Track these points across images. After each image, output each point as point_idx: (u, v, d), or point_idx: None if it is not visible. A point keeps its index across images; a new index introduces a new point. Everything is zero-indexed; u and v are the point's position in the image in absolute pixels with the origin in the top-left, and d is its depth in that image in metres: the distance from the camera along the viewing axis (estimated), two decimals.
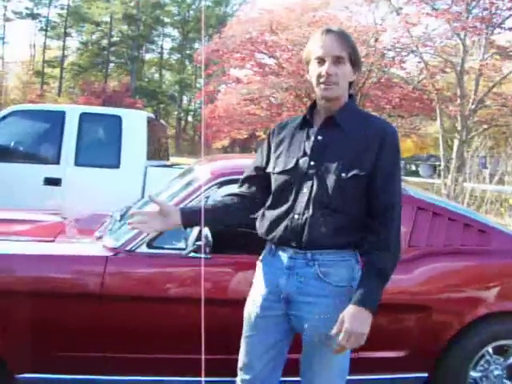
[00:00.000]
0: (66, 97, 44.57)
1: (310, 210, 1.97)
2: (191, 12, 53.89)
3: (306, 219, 1.97)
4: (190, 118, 55.56)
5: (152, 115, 7.43)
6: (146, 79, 52.98)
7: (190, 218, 2.13)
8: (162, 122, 8.24)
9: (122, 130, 6.40)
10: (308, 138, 2.05)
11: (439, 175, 13.93)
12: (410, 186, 3.69)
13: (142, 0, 48.39)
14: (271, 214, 2.08)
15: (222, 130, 19.74)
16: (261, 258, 2.19)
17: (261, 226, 2.13)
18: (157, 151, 7.32)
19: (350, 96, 2.09)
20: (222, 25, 23.79)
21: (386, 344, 2.97)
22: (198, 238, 2.78)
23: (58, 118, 6.40)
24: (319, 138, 2.03)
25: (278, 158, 2.10)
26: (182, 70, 53.41)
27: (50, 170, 6.28)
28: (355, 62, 2.02)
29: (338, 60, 1.96)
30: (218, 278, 2.90)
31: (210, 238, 2.76)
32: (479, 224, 3.28)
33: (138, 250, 2.88)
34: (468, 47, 14.57)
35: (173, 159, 9.57)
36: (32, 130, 6.72)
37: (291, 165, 2.03)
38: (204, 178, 3.03)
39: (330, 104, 2.03)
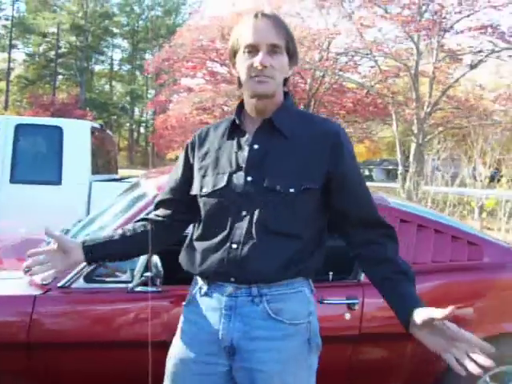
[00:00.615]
0: (13, 110, 43.09)
1: (253, 237, 1.60)
2: (141, 22, 53.41)
3: (249, 248, 1.60)
4: (142, 130, 55.01)
5: (97, 125, 6.85)
6: (97, 91, 52.11)
7: (94, 252, 1.74)
8: (109, 132, 7.63)
9: (63, 142, 5.85)
10: (240, 147, 1.68)
11: (394, 179, 13.85)
12: (385, 193, 3.30)
13: (90, 10, 47.53)
14: (201, 246, 1.69)
15: (174, 140, 19.48)
16: (188, 299, 1.77)
17: (188, 261, 1.74)
18: (103, 164, 6.78)
19: (286, 94, 1.73)
20: (172, 34, 23.43)
21: (376, 378, 2.60)
22: (147, 268, 2.30)
23: None
24: (255, 146, 1.65)
25: (204, 176, 1.71)
26: (133, 81, 52.86)
27: None
28: (292, 54, 1.67)
29: (273, 49, 1.60)
30: (171, 316, 2.37)
31: (160, 267, 2.28)
32: (468, 235, 2.91)
33: (73, 286, 2.39)
34: (421, 50, 14.58)
35: (125, 172, 9.04)
36: None
37: (222, 183, 1.65)
38: (151, 193, 2.57)
39: (263, 104, 1.65)
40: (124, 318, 2.39)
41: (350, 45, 15.86)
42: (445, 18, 14.41)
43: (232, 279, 1.62)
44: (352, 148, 1.72)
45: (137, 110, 54.76)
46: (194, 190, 1.72)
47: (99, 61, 54.33)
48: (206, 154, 1.73)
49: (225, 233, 1.63)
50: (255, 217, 1.60)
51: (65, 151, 5.84)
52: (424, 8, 14.36)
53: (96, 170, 6.15)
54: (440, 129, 15.88)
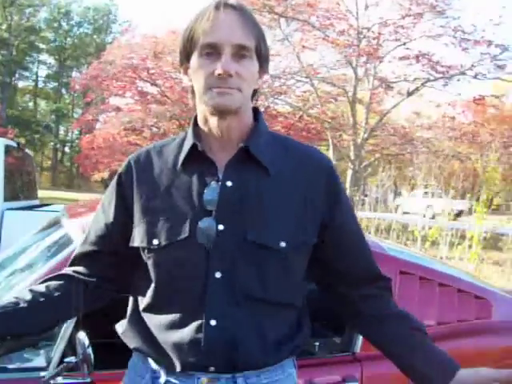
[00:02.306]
0: None
1: (237, 309, 1.21)
2: (68, 39, 52.03)
3: (234, 325, 1.20)
4: (67, 149, 53.34)
5: (13, 143, 5.97)
6: (20, 108, 50.22)
7: None
8: (28, 151, 6.73)
9: None
10: (204, 183, 1.24)
11: None
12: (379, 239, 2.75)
13: (15, 23, 45.77)
14: (157, 320, 1.25)
15: (101, 161, 18.72)
16: None
17: (137, 342, 1.27)
18: (20, 189, 5.93)
19: (255, 112, 1.32)
20: (101, 52, 22.72)
21: None
22: (68, 351, 1.61)
23: None
24: (228, 183, 1.23)
25: (152, 222, 1.24)
26: (59, 99, 51.35)
27: None
28: (264, 58, 1.27)
29: (240, 52, 1.20)
30: None
31: (88, 347, 1.58)
32: (476, 289, 2.39)
33: None
34: (359, 76, 14.57)
35: (48, 193, 8.18)
36: None
37: (184, 234, 1.21)
38: (77, 239, 1.87)
39: (226, 122, 1.23)
40: None
41: (285, 68, 15.68)
42: (381, 45, 14.51)
43: (211, 369, 1.20)
44: (343, 186, 1.40)
45: (62, 129, 53.27)
46: (137, 242, 1.26)
47: (23, 76, 52.72)
48: (151, 190, 1.28)
49: (193, 303, 1.21)
50: (236, 280, 1.20)
51: None
52: (362, 35, 14.35)
53: (10, 195, 5.29)
54: (377, 155, 15.86)
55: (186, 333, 1.21)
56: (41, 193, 7.14)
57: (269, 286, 1.22)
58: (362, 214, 10.70)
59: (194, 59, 1.23)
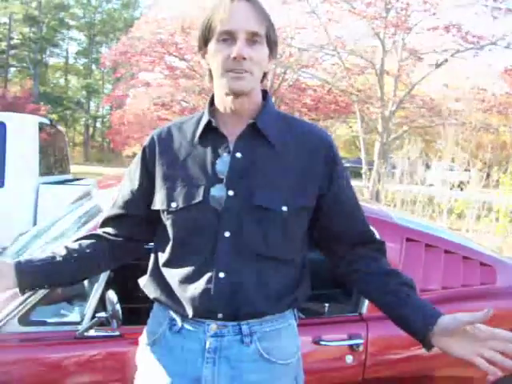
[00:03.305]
0: None
1: (243, 264, 1.38)
2: (97, 15, 52.06)
3: (240, 277, 1.37)
4: (98, 125, 53.72)
5: (46, 120, 6.17)
6: (51, 84, 50.56)
7: (30, 277, 1.42)
8: (60, 127, 6.95)
9: (7, 139, 5.16)
10: (217, 155, 1.42)
11: (353, 177, 13.76)
12: (389, 208, 2.88)
13: (44, 1, 45.99)
14: (174, 274, 1.42)
15: (131, 136, 18.92)
16: (152, 338, 1.47)
17: (156, 289, 1.46)
18: (53, 164, 6.15)
19: (264, 93, 1.50)
20: (129, 28, 22.84)
21: None
22: (100, 306, 1.80)
23: None
24: (237, 155, 1.41)
25: (171, 188, 1.43)
26: (89, 75, 51.54)
27: None
28: (273, 45, 1.44)
29: (253, 38, 1.37)
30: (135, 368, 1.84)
31: (117, 304, 1.78)
32: (481, 256, 2.51)
33: (5, 330, 1.85)
34: (387, 48, 14.39)
35: (81, 168, 8.42)
36: None
37: (198, 198, 1.39)
38: (106, 208, 2.06)
39: (239, 102, 1.41)
40: (72, 372, 1.87)
41: (313, 41, 15.57)
42: (409, 16, 14.29)
43: (219, 315, 1.38)
44: (341, 159, 1.54)
45: (93, 105, 53.56)
46: (158, 205, 1.44)
47: (54, 53, 52.85)
48: (171, 160, 1.46)
49: (204, 258, 1.38)
50: (243, 239, 1.37)
51: (8, 150, 5.16)
52: (390, 5, 14.15)
53: (45, 170, 5.53)
54: (405, 128, 15.72)
55: (199, 284, 1.37)
56: (73, 168, 7.37)
57: (271, 244, 1.39)
58: (389, 187, 10.73)
59: (212, 45, 1.39)
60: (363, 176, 14.56)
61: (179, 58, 17.36)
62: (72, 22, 51.43)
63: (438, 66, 14.70)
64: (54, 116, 38.42)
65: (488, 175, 10.36)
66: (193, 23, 15.85)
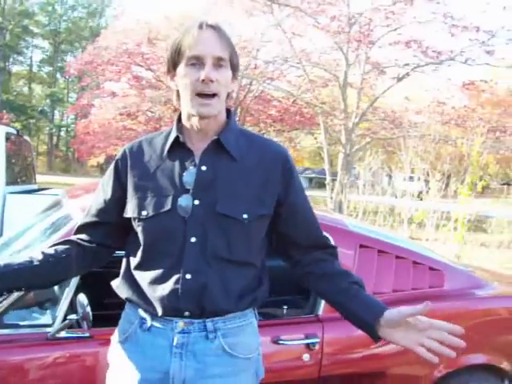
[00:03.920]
0: None
1: (208, 266, 1.51)
2: (63, 23, 51.59)
3: (205, 278, 1.50)
4: (62, 134, 53.03)
5: (13, 130, 6.20)
6: (14, 93, 49.78)
7: (8, 279, 1.53)
8: (26, 137, 6.96)
9: None
10: (184, 168, 1.56)
11: (317, 187, 13.98)
12: (344, 217, 3.04)
13: (8, 7, 45.36)
14: (145, 276, 1.55)
15: (96, 145, 18.79)
16: (123, 336, 1.59)
17: (128, 290, 1.58)
18: (20, 174, 6.16)
19: (228, 112, 1.64)
20: (96, 37, 22.70)
21: None
22: (71, 309, 1.91)
23: None
24: (203, 168, 1.55)
25: (142, 197, 1.56)
26: (53, 84, 50.98)
27: None
28: (235, 67, 1.59)
29: (219, 62, 1.51)
30: (105, 367, 1.90)
31: (87, 307, 1.89)
32: (429, 261, 2.70)
33: None
34: (350, 61, 14.71)
35: (45, 178, 8.36)
36: None
37: (167, 206, 1.52)
38: (76, 217, 2.17)
39: (204, 123, 1.56)
40: (44, 372, 1.97)
41: (279, 53, 15.82)
42: (372, 30, 14.65)
43: (186, 313, 1.50)
44: (297, 171, 1.68)
45: (57, 114, 52.91)
46: (130, 213, 1.56)
47: (17, 61, 52.22)
48: (142, 172, 1.58)
49: (173, 261, 1.51)
50: (208, 244, 1.51)
51: None
52: (353, 20, 14.49)
53: (11, 180, 5.54)
54: (367, 139, 16.05)
55: (167, 284, 1.50)
56: (38, 177, 7.35)
57: (233, 248, 1.52)
58: (352, 197, 10.98)
59: (181, 68, 1.52)
60: (327, 187, 14.83)
61: (145, 68, 17.37)
62: (36, 30, 50.79)
63: (399, 79, 15.10)
64: (18, 124, 37.77)
65: (447, 185, 10.69)
66: (159, 33, 15.94)
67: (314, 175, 45.29)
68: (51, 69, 52.48)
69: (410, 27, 14.97)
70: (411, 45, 14.65)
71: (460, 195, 9.78)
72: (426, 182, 11.06)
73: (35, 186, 6.77)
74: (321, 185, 15.91)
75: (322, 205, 11.54)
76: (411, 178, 10.65)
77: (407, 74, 15.16)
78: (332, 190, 14.20)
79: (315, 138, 21.93)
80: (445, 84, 15.99)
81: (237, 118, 17.54)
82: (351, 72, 15.33)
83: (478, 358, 2.64)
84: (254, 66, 16.31)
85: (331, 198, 14.07)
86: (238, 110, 17.88)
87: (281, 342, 2.21)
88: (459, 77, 16.28)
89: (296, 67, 16.24)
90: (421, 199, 11.06)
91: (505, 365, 2.68)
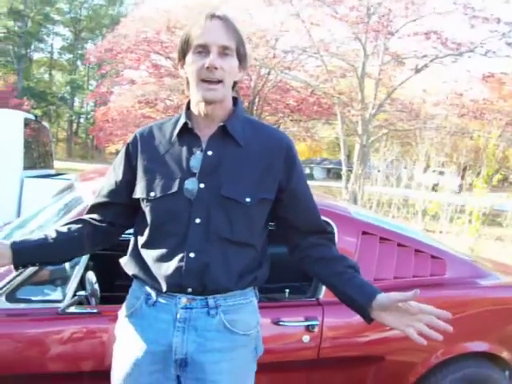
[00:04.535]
0: None
1: (211, 246, 1.60)
2: (83, 10, 51.80)
3: (207, 257, 1.59)
4: (82, 121, 53.43)
5: (31, 116, 6.34)
6: (35, 79, 50.18)
7: (24, 254, 1.64)
8: (45, 123, 7.10)
9: None
10: (191, 152, 1.65)
11: (334, 178, 13.99)
12: (346, 202, 3.10)
13: None
14: (151, 254, 1.64)
15: (115, 133, 18.90)
16: (130, 310, 1.69)
17: (135, 267, 1.68)
18: (37, 159, 6.29)
19: (235, 100, 1.73)
20: (115, 24, 22.84)
21: None
22: (80, 286, 2.00)
23: None
24: (209, 153, 1.64)
25: (150, 179, 1.65)
26: (74, 71, 51.27)
27: None
28: (243, 57, 1.66)
29: (224, 51, 1.60)
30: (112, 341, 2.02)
31: (95, 284, 1.98)
32: (432, 249, 2.75)
33: None
34: (368, 52, 14.64)
35: (63, 164, 8.52)
36: None
37: (174, 189, 1.62)
38: (87, 199, 2.26)
39: (211, 108, 1.64)
40: (54, 345, 2.07)
41: (297, 43, 15.78)
42: (391, 21, 14.55)
43: (189, 290, 1.59)
44: (298, 157, 1.76)
45: (77, 101, 53.28)
46: (139, 194, 1.66)
47: (38, 48, 52.52)
48: (151, 156, 1.67)
49: (178, 240, 1.59)
50: (211, 225, 1.59)
51: None
52: (372, 10, 14.41)
53: (29, 165, 5.68)
54: (384, 131, 16.00)
55: (172, 262, 1.59)
56: (56, 164, 7.49)
57: (235, 229, 1.60)
58: (366, 188, 10.96)
59: (189, 56, 1.61)
60: (343, 177, 14.83)
61: (164, 57, 17.38)
62: (57, 17, 51.00)
63: (418, 70, 15.00)
64: (38, 111, 38.12)
65: (462, 178, 10.64)
66: (178, 22, 15.97)
67: (331, 166, 45.10)
68: (71, 56, 52.72)
69: (430, 18, 14.84)
70: (431, 36, 14.53)
71: (475, 188, 9.75)
72: (441, 173, 11.04)
73: (52, 171, 6.92)
74: (338, 176, 15.90)
75: (336, 196, 11.56)
76: (433, 171, 10.59)
77: (426, 66, 15.06)
78: (348, 180, 14.21)
79: (333, 129, 21.90)
80: (464, 76, 15.88)
81: (254, 108, 17.61)
82: (369, 63, 15.27)
83: (479, 346, 2.69)
84: (272, 55, 16.30)
85: (346, 188, 14.07)
86: (256, 99, 17.90)
87: (281, 323, 2.29)
88: (479, 69, 16.13)
89: (314, 57, 16.18)
90: (435, 191, 11.02)
91: (505, 354, 2.73)
